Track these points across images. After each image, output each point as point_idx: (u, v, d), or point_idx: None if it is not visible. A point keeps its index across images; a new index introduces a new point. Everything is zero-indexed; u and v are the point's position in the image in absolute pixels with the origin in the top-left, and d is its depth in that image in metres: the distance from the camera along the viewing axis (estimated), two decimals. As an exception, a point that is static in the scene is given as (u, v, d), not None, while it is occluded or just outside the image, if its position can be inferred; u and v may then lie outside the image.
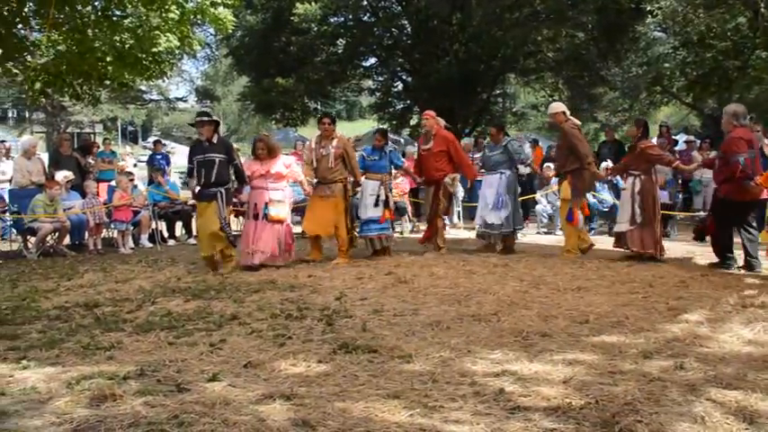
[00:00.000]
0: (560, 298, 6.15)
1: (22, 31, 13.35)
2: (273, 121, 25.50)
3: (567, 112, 9.23)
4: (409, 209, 12.92)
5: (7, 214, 10.68)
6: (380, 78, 23.81)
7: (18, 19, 12.22)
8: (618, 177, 10.47)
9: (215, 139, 8.20)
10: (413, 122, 23.29)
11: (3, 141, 13.68)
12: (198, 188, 8.13)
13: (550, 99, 24.35)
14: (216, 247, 8.09)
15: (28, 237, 10.30)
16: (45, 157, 13.69)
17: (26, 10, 12.27)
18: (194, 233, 11.19)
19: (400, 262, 8.39)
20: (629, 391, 3.60)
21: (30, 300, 6.43)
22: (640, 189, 8.49)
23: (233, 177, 8.39)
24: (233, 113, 52.34)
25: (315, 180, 8.91)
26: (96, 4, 12.49)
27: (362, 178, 9.12)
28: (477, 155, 14.02)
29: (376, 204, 9.04)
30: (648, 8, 16.34)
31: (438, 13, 19.30)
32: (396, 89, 23.63)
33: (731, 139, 7.80)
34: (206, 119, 8.30)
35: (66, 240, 10.65)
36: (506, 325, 5.12)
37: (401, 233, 13.00)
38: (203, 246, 8.24)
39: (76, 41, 12.09)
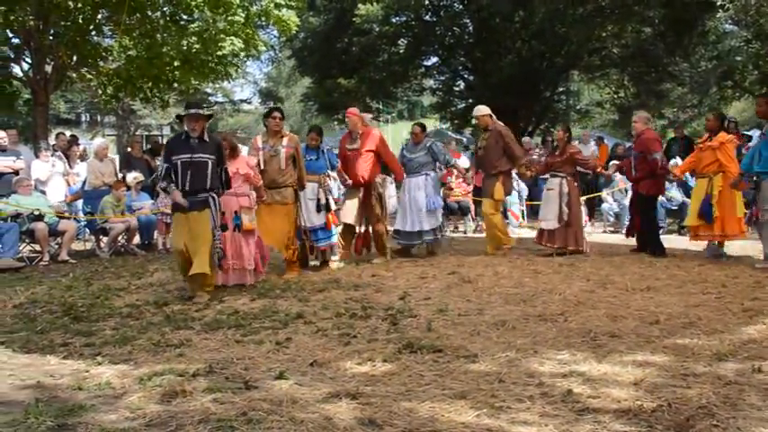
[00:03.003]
0: (629, 298, 6.02)
1: (95, 38, 13.82)
2: (336, 122, 25.70)
3: (494, 116, 9.26)
4: (472, 208, 12.83)
5: (81, 214, 11.04)
6: (442, 78, 23.79)
7: (92, 26, 12.66)
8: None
9: (206, 137, 6.67)
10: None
11: (78, 144, 14.09)
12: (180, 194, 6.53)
13: (615, 96, 23.89)
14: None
15: (100, 236, 10.62)
16: (116, 159, 14.10)
17: (99, 17, 12.69)
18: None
19: (464, 261, 8.35)
20: (703, 395, 3.48)
21: (103, 298, 6.62)
22: (568, 190, 9.02)
23: None
24: (296, 114, 52.88)
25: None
26: (165, 9, 12.84)
27: None
28: (535, 154, 13.88)
29: (318, 209, 8.11)
30: (719, 2, 15.82)
31: (500, 10, 19.11)
32: (457, 88, 23.55)
33: (647, 140, 8.74)
34: (201, 112, 6.75)
35: (137, 240, 10.95)
36: (573, 325, 5.04)
37: (464, 232, 12.95)
38: (200, 262, 6.40)
39: (146, 47, 12.46)
